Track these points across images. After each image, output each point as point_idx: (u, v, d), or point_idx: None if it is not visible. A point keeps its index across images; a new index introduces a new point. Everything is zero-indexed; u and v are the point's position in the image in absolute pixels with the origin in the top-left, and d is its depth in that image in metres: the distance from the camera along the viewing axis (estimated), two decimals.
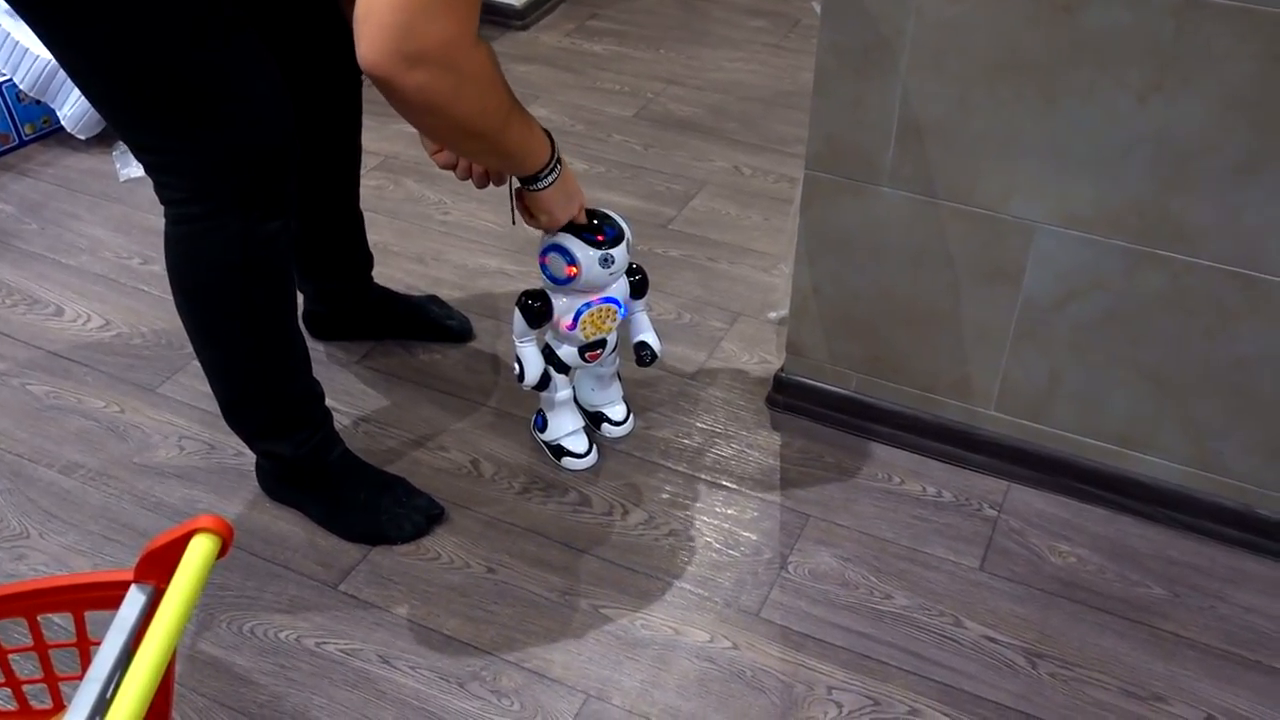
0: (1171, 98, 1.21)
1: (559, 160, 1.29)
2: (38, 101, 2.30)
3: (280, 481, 1.51)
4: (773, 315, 1.86)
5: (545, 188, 1.30)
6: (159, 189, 1.23)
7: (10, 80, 2.26)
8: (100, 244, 2.05)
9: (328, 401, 1.48)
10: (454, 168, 1.37)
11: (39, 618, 0.99)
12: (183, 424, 1.66)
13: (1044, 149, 1.31)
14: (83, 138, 2.31)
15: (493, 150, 1.23)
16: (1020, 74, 1.27)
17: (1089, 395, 1.47)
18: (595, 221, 1.41)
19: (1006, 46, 1.26)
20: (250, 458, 1.53)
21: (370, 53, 1.00)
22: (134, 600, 0.88)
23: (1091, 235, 1.34)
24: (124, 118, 1.18)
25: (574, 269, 1.39)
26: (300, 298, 1.72)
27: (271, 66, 1.19)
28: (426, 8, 0.98)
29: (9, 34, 2.19)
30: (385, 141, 2.33)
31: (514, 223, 1.40)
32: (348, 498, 1.48)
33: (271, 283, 1.29)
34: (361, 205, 1.70)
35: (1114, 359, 1.43)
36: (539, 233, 1.41)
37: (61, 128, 2.32)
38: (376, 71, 1.01)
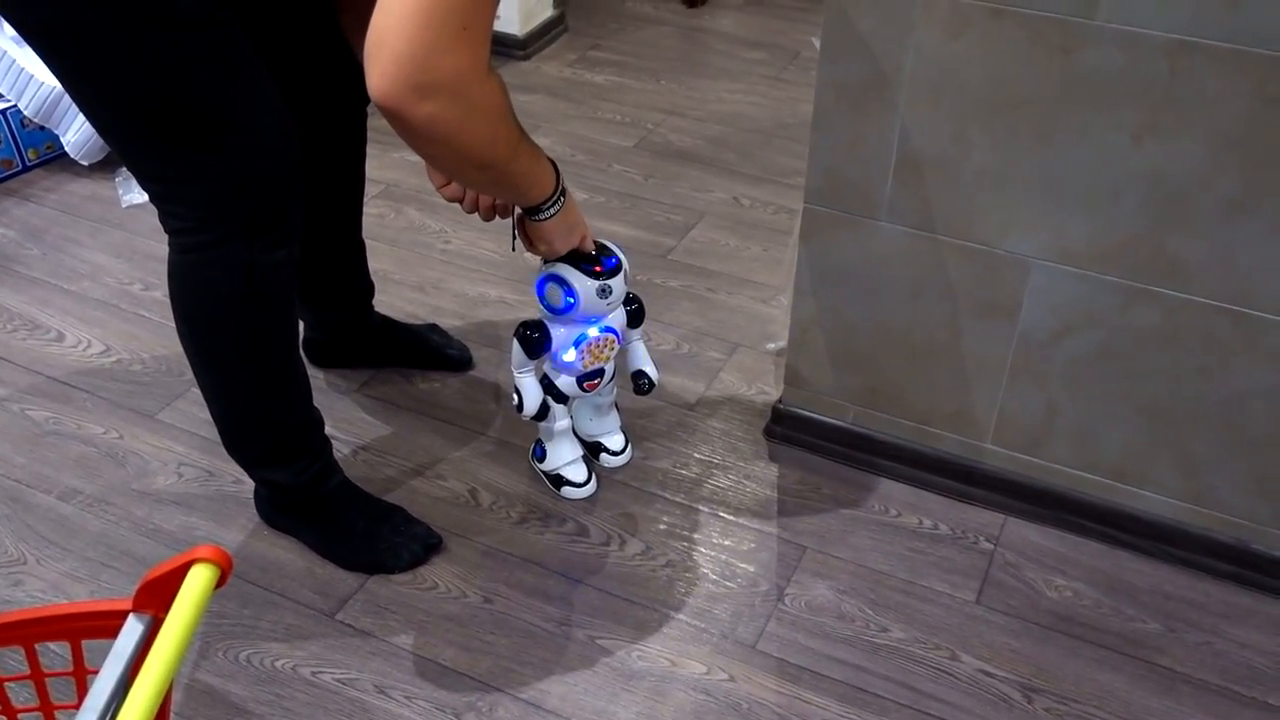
0: (1165, 137, 1.23)
1: (563, 192, 1.30)
2: (42, 127, 2.32)
3: (278, 509, 1.51)
4: (771, 346, 1.87)
5: (548, 219, 1.30)
6: (164, 218, 1.23)
7: (14, 106, 2.28)
8: (101, 270, 2.06)
9: (326, 429, 1.48)
10: (461, 200, 1.38)
11: (36, 646, 0.99)
12: (182, 451, 1.66)
13: (1040, 186, 1.32)
14: (86, 164, 2.33)
15: (498, 181, 1.23)
16: (1016, 112, 1.29)
17: (1085, 429, 1.48)
18: (594, 252, 1.42)
19: (1003, 84, 1.28)
20: (249, 485, 1.53)
21: (382, 83, 0.99)
22: (132, 630, 0.88)
23: (1086, 271, 1.35)
24: (130, 147, 1.19)
25: (571, 299, 1.40)
26: (300, 325, 1.74)
27: (278, 97, 1.20)
28: (440, 39, 0.98)
29: (14, 60, 2.21)
30: (387, 169, 2.34)
31: (514, 249, 1.41)
32: (346, 526, 1.48)
33: (275, 312, 1.30)
34: (363, 234, 1.71)
35: (1109, 394, 1.43)
36: (538, 262, 1.42)
37: (65, 153, 2.34)
38: (387, 103, 1.00)
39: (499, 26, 2.84)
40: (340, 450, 1.64)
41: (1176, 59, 1.18)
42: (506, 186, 1.25)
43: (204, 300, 1.27)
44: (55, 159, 2.39)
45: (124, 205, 2.25)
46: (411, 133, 1.04)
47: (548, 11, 2.97)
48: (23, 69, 2.21)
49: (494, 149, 1.13)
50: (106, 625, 0.91)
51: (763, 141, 2.51)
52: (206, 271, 1.24)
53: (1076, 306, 1.38)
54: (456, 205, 1.41)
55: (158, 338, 1.88)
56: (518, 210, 1.34)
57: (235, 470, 1.52)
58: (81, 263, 2.09)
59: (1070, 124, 1.27)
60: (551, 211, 1.29)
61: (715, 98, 2.70)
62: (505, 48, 2.88)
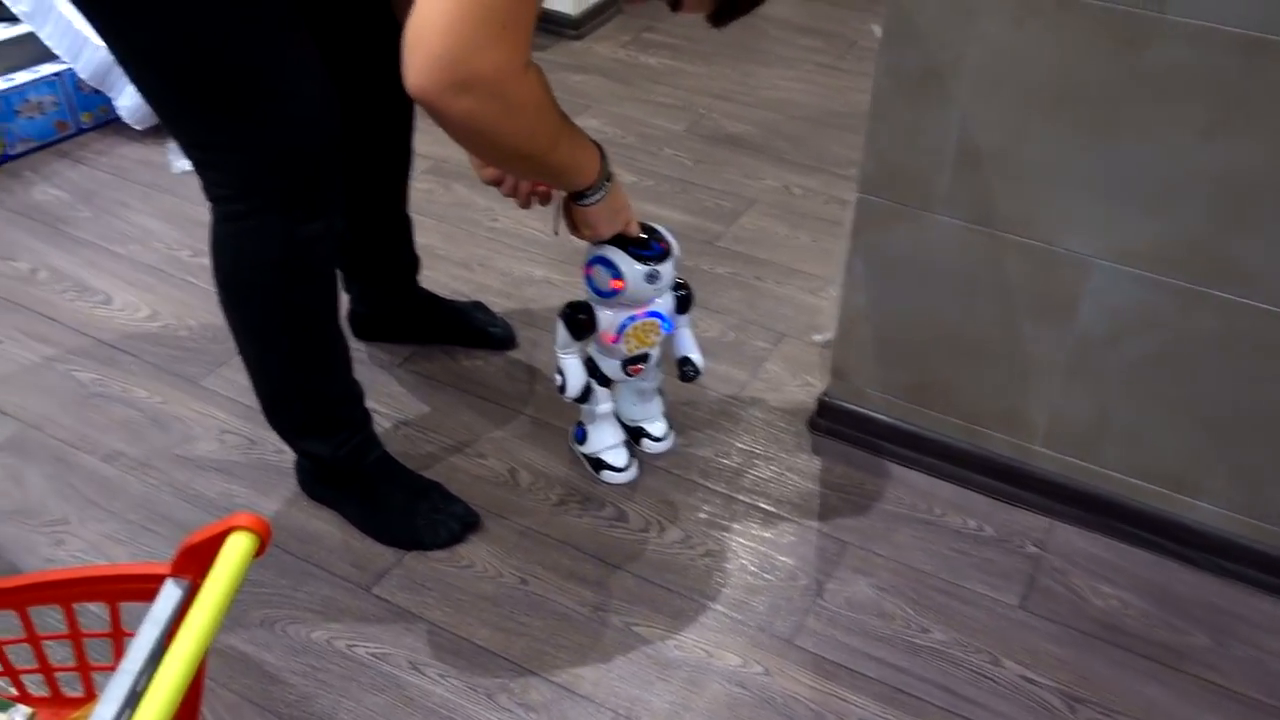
0: (1234, 136, 1.19)
1: (609, 177, 1.29)
2: (96, 91, 2.33)
3: (318, 481, 1.51)
4: (818, 338, 1.85)
5: (592, 205, 1.29)
6: (205, 186, 1.23)
7: (70, 69, 2.29)
8: (151, 234, 2.07)
9: (367, 403, 1.48)
10: (500, 184, 1.37)
11: (74, 606, 0.99)
12: (225, 418, 1.66)
13: (1101, 183, 1.29)
14: (139, 128, 2.34)
15: (538, 170, 1.24)
16: (1080, 106, 1.25)
17: (1139, 435, 1.44)
18: (644, 236, 1.40)
19: (1067, 77, 1.24)
20: (290, 455, 1.53)
21: (419, 79, 0.99)
22: (169, 594, 0.88)
23: (1147, 273, 1.32)
24: (172, 113, 1.19)
25: (619, 283, 1.38)
26: (345, 298, 1.74)
27: (320, 66, 1.19)
28: (478, 37, 0.98)
29: (70, 23, 2.22)
30: (436, 145, 2.32)
31: (556, 233, 1.40)
32: (384, 501, 1.48)
33: (312, 284, 1.30)
34: (410, 209, 1.70)
35: (1165, 400, 1.40)
36: (585, 243, 1.41)
37: (118, 117, 2.35)
38: (424, 98, 1.01)
39: (552, 5, 2.82)
40: (381, 425, 1.63)
41: (1249, 56, 1.14)
42: (547, 174, 1.26)
43: (242, 269, 1.27)
44: (109, 123, 2.40)
45: (175, 171, 2.26)
46: (448, 126, 1.04)
47: None
48: (79, 32, 2.22)
49: (532, 141, 1.13)
50: (144, 588, 0.91)
51: (815, 130, 2.47)
52: (245, 241, 1.24)
53: (1135, 309, 1.35)
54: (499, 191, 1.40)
55: (204, 304, 1.88)
56: (562, 194, 1.33)
57: (277, 440, 1.51)
58: (131, 226, 2.10)
59: (1135, 120, 1.23)
60: (596, 198, 1.28)
61: (769, 84, 2.66)
62: (558, 27, 2.86)
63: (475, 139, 1.08)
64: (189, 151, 1.22)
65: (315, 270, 1.30)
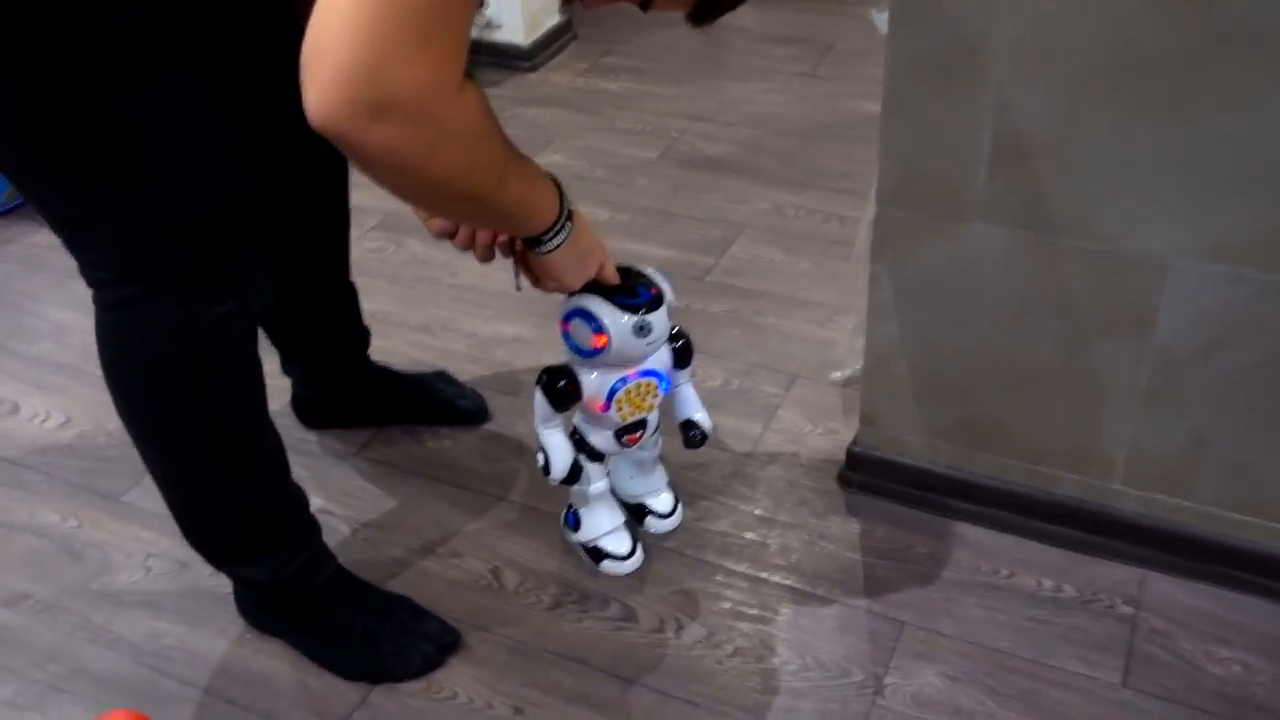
0: None
1: (569, 216, 1.06)
2: None
3: (262, 610, 1.27)
4: (836, 375, 1.61)
5: (552, 251, 1.06)
6: (83, 269, 1.01)
7: None
8: (64, 329, 1.83)
9: (319, 505, 1.24)
10: (452, 236, 1.14)
11: None
12: (150, 538, 1.41)
13: (1177, 167, 1.08)
14: None
15: (481, 214, 1.01)
16: (1147, 75, 1.04)
17: (1240, 463, 1.22)
18: (627, 281, 1.16)
19: (1129, 42, 1.03)
20: None
21: (323, 102, 0.76)
22: None
23: (1241, 270, 1.10)
24: (28, 182, 0.96)
25: (602, 338, 1.15)
26: (288, 382, 1.51)
27: (214, 116, 0.97)
28: (397, 48, 0.75)
29: None
30: (385, 198, 2.08)
31: (518, 288, 1.16)
32: (342, 627, 1.24)
33: (226, 377, 1.06)
34: (359, 270, 1.48)
35: (1272, 419, 1.17)
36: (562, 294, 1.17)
37: (24, 202, 2.10)
38: (329, 126, 0.77)
39: (501, 36, 2.61)
40: (337, 529, 1.39)
41: None
42: (493, 218, 1.03)
43: (138, 367, 1.04)
44: (14, 209, 2.16)
45: None
46: (364, 162, 0.82)
47: (554, 18, 2.74)
48: None
49: (472, 178, 0.90)
50: None
51: (802, 144, 2.25)
52: (136, 333, 1.01)
53: (1230, 314, 1.13)
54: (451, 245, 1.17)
55: None
56: (518, 241, 1.09)
57: None
58: (42, 322, 1.85)
59: (1217, 85, 1.02)
60: (554, 243, 1.05)
61: (745, 99, 2.45)
62: (510, 59, 2.65)
63: (399, 179, 0.85)
64: (57, 229, 1.00)
65: (228, 360, 1.06)
